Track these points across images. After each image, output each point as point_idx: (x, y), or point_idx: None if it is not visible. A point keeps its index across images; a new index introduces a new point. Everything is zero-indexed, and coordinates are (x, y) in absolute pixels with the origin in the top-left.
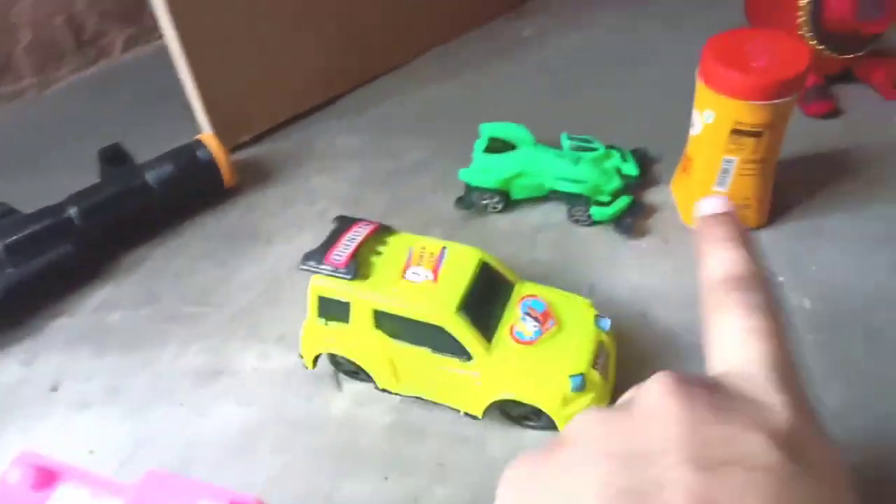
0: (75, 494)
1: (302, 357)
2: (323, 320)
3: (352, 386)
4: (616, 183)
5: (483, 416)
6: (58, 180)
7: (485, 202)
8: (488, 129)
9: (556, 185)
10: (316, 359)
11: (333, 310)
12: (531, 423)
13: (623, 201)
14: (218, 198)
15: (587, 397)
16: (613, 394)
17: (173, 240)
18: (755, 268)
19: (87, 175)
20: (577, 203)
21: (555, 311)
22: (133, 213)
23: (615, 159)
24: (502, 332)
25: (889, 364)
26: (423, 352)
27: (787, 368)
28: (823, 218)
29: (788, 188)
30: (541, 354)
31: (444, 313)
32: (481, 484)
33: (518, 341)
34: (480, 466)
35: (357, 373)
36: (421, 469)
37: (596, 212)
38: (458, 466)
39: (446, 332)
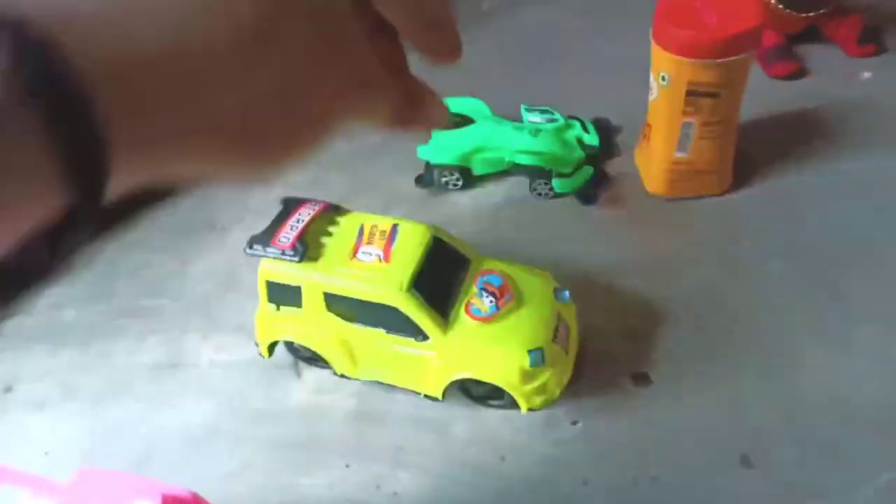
0: (11, 496)
1: (258, 346)
2: (274, 306)
3: (311, 374)
4: (577, 154)
5: (443, 398)
6: None
7: (445, 179)
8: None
9: (517, 158)
10: (272, 347)
11: (284, 295)
12: (494, 403)
13: (585, 172)
14: (172, 188)
15: (547, 372)
16: (576, 367)
17: (128, 233)
18: None
19: None
20: (538, 176)
21: (512, 286)
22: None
23: (576, 130)
24: (458, 310)
25: (856, 321)
26: (378, 333)
27: None
28: (790, 178)
29: (755, 151)
30: (498, 330)
31: (396, 292)
32: (444, 467)
33: (475, 318)
34: (442, 449)
35: (315, 360)
36: (383, 455)
37: (558, 184)
38: (420, 450)
39: (400, 312)
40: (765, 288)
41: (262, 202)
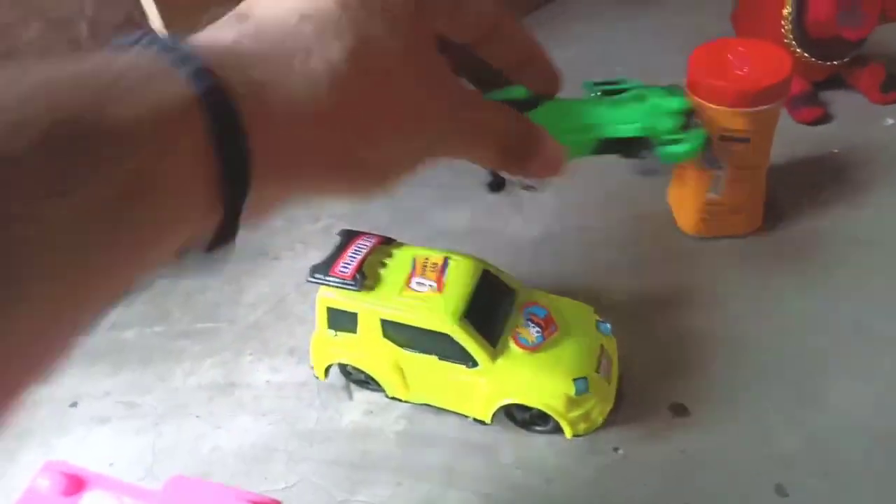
0: (103, 501)
1: (313, 368)
2: (332, 331)
3: (363, 395)
4: (675, 119)
5: (491, 422)
6: None
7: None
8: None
9: (609, 131)
10: (327, 370)
11: (342, 321)
12: (538, 428)
13: (699, 135)
14: None
15: (591, 400)
16: (617, 397)
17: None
18: None
19: None
20: (639, 148)
21: (557, 317)
22: None
23: (657, 96)
24: (506, 339)
25: (880, 353)
26: (431, 359)
27: None
28: (816, 218)
29: (782, 193)
30: (544, 359)
31: (449, 321)
32: (492, 488)
33: (522, 347)
34: (490, 471)
35: (367, 382)
36: (433, 475)
37: (668, 153)
38: (468, 471)
39: (452, 340)
40: (792, 323)
41: (310, 232)
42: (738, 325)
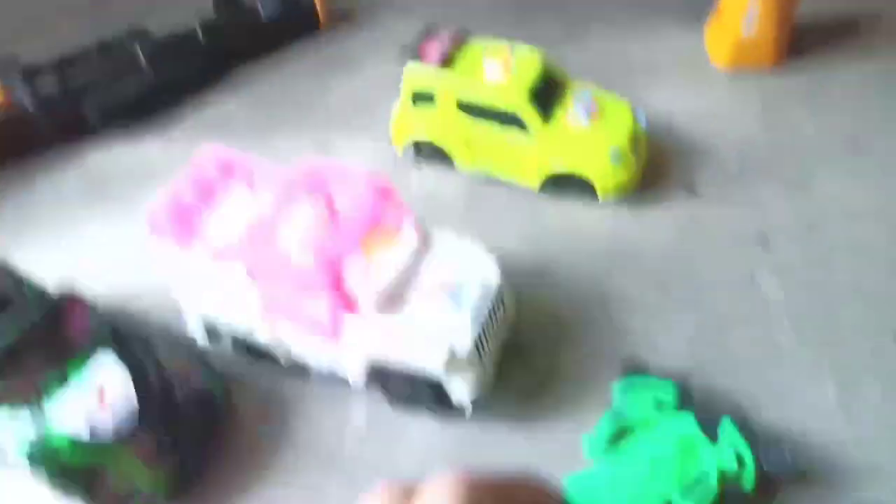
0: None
1: (394, 143)
2: (414, 105)
3: (430, 170)
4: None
5: (538, 191)
6: (173, 12)
7: None
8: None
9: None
10: (404, 148)
11: (423, 97)
12: (576, 196)
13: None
14: (314, 35)
15: (622, 170)
16: (642, 176)
17: (277, 62)
18: None
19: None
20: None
21: (600, 104)
22: (246, 39)
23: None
24: (558, 116)
25: (867, 162)
26: (494, 127)
27: None
28: (832, 62)
29: (805, 38)
30: (587, 133)
31: (517, 100)
32: (539, 235)
33: (571, 124)
34: (537, 229)
35: (433, 158)
36: (487, 224)
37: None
38: (518, 224)
39: (517, 117)
40: (796, 137)
41: (388, 50)
42: (748, 137)
